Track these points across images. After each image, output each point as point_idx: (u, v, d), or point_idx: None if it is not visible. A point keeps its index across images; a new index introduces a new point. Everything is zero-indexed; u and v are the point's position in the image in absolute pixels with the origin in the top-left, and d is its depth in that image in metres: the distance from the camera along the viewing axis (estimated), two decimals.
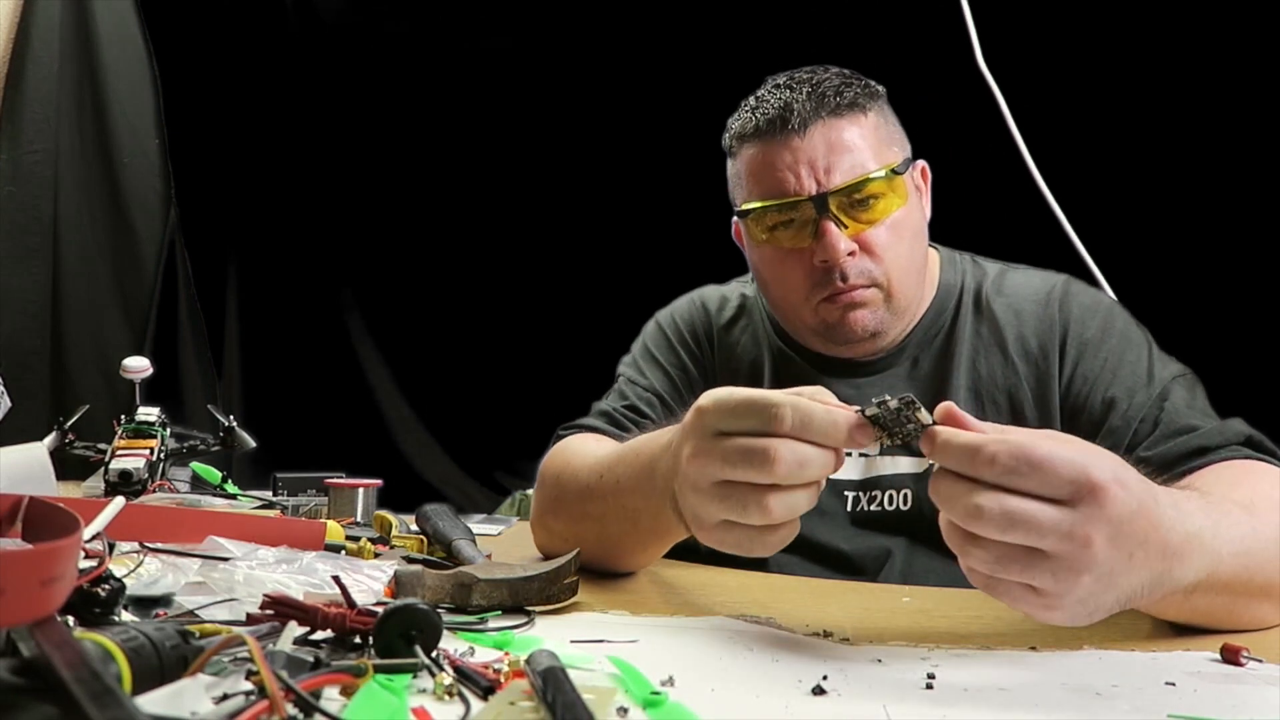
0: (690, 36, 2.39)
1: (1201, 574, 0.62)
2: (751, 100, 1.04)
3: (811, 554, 1.02)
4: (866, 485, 1.03)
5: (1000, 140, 1.77)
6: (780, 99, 1.00)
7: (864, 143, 0.99)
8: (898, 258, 1.00)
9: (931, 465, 1.01)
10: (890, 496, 1.01)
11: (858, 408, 0.62)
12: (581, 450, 0.98)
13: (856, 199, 0.98)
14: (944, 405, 0.61)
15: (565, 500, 0.94)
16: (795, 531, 0.64)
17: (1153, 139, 1.94)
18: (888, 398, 0.61)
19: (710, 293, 1.20)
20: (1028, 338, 1.02)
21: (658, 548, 0.86)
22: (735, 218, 1.09)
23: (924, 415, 0.60)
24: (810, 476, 0.62)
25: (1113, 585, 0.56)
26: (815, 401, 0.62)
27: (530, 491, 1.09)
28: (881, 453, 1.03)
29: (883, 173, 0.98)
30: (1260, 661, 0.61)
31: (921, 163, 1.08)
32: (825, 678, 0.53)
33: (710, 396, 0.65)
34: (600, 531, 0.86)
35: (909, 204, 1.02)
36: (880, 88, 1.05)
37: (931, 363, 1.05)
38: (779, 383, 1.10)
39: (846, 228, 0.97)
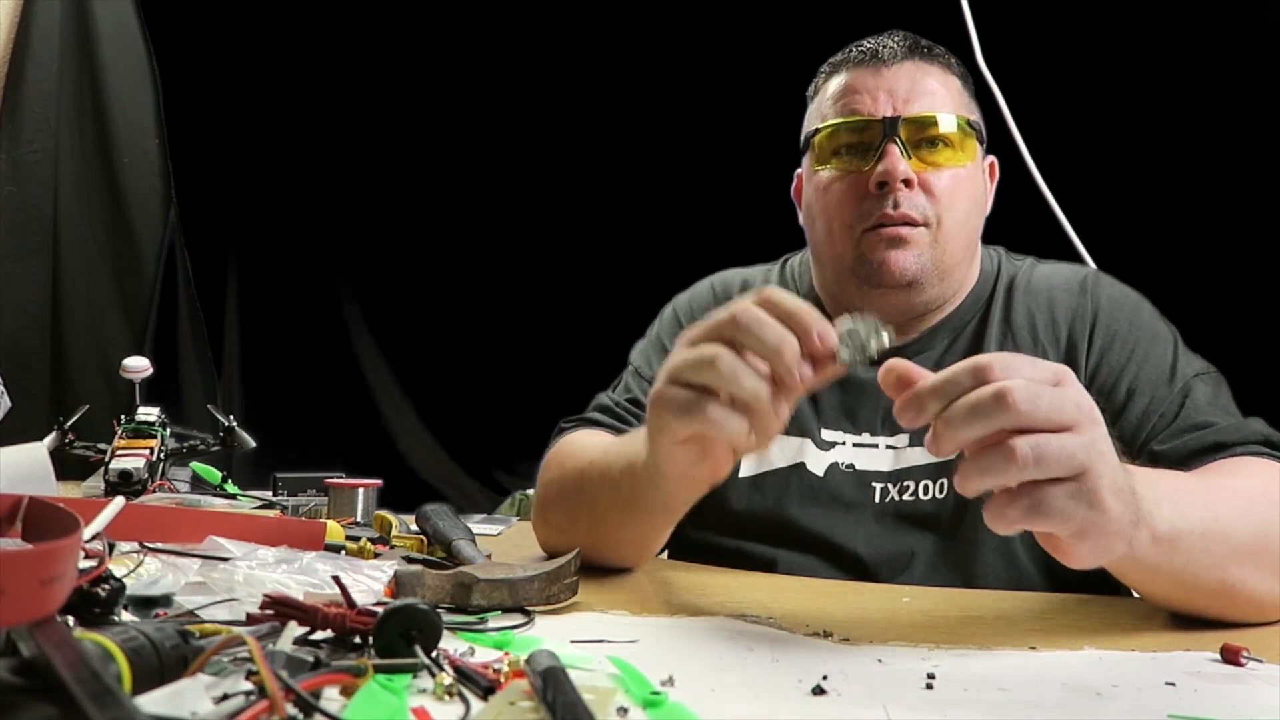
0: (689, 35, 2.39)
1: (1176, 519, 0.65)
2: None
3: (828, 555, 1.01)
4: (896, 476, 1.02)
5: (1000, 140, 1.77)
6: (877, 40, 1.05)
7: (946, 93, 1.03)
8: (954, 208, 1.00)
9: (960, 454, 1.01)
10: (925, 486, 1.00)
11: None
12: (580, 443, 0.99)
13: (926, 136, 1.00)
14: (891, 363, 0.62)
15: (564, 490, 0.94)
16: (777, 425, 0.65)
17: (1153, 139, 1.94)
18: (849, 316, 0.65)
19: (732, 278, 1.19)
20: (1059, 323, 1.03)
21: (645, 527, 0.87)
22: (798, 170, 1.10)
23: (886, 336, 0.64)
24: (749, 391, 0.62)
25: (1111, 461, 0.58)
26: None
27: (530, 491, 1.09)
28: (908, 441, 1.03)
29: (957, 120, 1.00)
30: (1260, 661, 0.61)
31: (992, 158, 1.10)
32: (825, 678, 0.53)
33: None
34: (591, 516, 0.87)
35: (974, 168, 1.04)
36: (969, 75, 1.09)
37: (963, 349, 1.05)
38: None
39: (910, 159, 0.98)
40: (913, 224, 0.99)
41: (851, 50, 1.07)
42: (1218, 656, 0.62)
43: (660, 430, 0.70)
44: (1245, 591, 0.70)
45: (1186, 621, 0.73)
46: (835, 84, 1.05)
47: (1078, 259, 1.73)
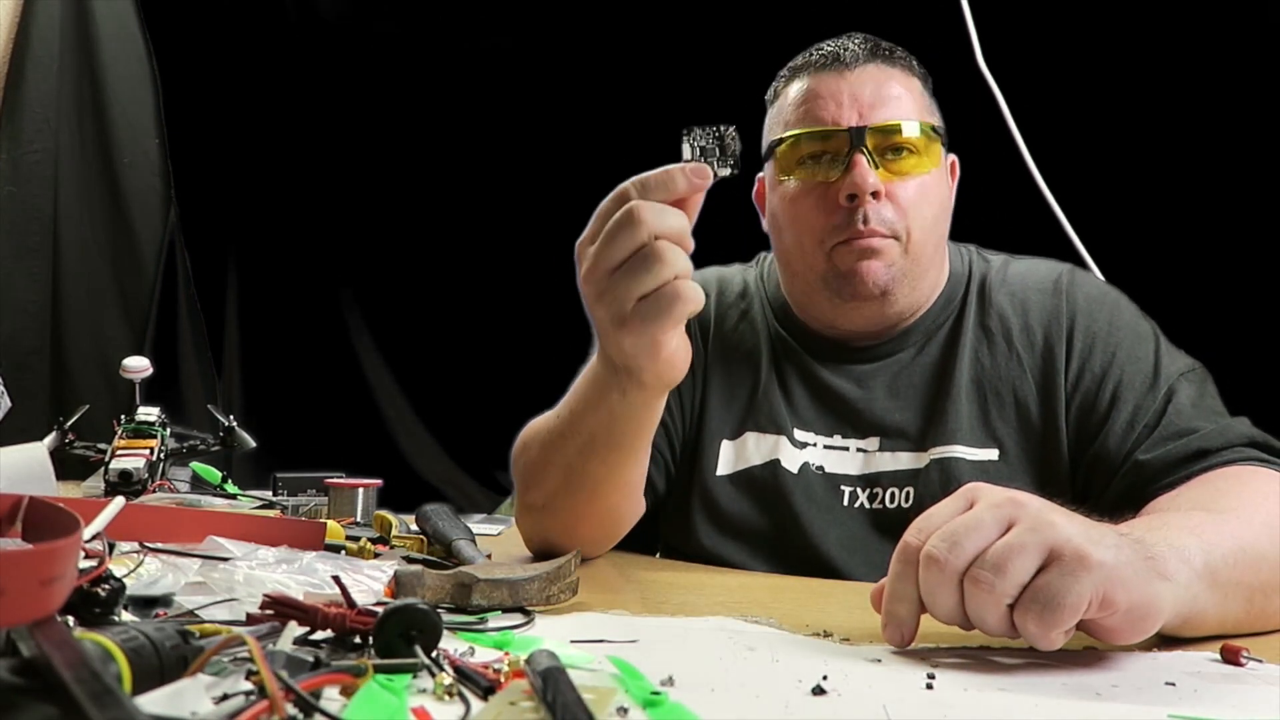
0: (689, 35, 2.39)
1: (1207, 550, 0.62)
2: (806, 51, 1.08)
3: (803, 556, 1.01)
4: (866, 481, 1.02)
5: (1000, 140, 1.77)
6: (837, 42, 1.05)
7: (909, 97, 1.01)
8: (921, 216, 1.00)
9: (930, 461, 1.01)
10: (892, 494, 1.00)
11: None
12: (536, 423, 0.98)
13: (892, 144, 0.98)
14: None
15: (533, 463, 0.94)
16: (699, 295, 0.71)
17: (1153, 138, 1.94)
18: (695, 129, 0.71)
19: (710, 274, 1.19)
20: (1033, 328, 1.02)
21: (622, 472, 0.88)
22: (760, 174, 1.09)
23: (733, 132, 0.70)
24: (675, 225, 0.70)
25: (1116, 558, 0.56)
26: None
27: None
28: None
29: (920, 126, 0.99)
30: (1260, 661, 0.61)
31: (953, 157, 1.09)
32: (825, 678, 0.53)
33: None
34: (566, 477, 0.88)
35: (940, 173, 1.02)
36: (928, 75, 1.08)
37: (937, 352, 1.04)
38: (778, 370, 1.09)
39: (877, 169, 0.97)
40: (882, 236, 0.98)
41: (812, 54, 1.05)
42: (1218, 656, 0.62)
43: (652, 348, 0.75)
44: (1271, 617, 0.69)
45: None
46: (796, 89, 1.04)
47: (1078, 259, 1.73)
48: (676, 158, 0.72)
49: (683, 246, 0.71)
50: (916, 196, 0.99)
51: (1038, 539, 0.55)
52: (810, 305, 1.07)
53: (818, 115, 1.00)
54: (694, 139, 0.70)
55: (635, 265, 0.70)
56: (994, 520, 0.57)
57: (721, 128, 0.69)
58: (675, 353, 0.78)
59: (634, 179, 0.72)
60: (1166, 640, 0.65)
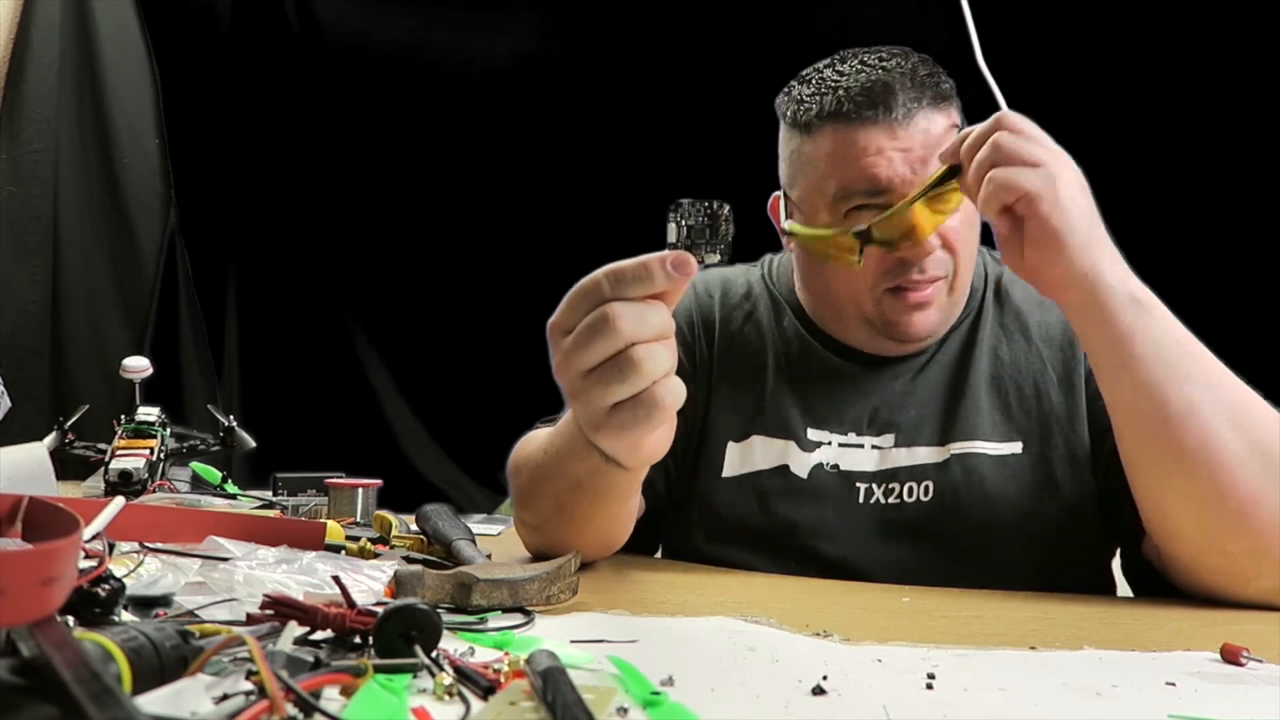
0: (689, 37, 2.39)
1: (1151, 299, 0.80)
2: (830, 75, 0.98)
3: (813, 557, 1.00)
4: (881, 478, 1.01)
5: None
6: (875, 79, 0.96)
7: (950, 130, 0.98)
8: (966, 246, 0.99)
9: (950, 457, 1.00)
10: (910, 489, 1.00)
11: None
12: (536, 437, 0.95)
13: (942, 192, 0.94)
14: None
15: (524, 488, 0.93)
16: (682, 392, 0.66)
17: (1153, 139, 1.94)
18: (685, 203, 0.64)
19: (713, 275, 1.17)
20: (1050, 323, 1.03)
21: (611, 509, 0.86)
22: (778, 193, 1.06)
23: (727, 213, 0.64)
24: (655, 326, 0.64)
25: (1067, 178, 0.78)
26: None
27: None
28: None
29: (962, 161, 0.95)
30: (1260, 661, 0.61)
31: None
32: (825, 678, 0.53)
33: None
34: (557, 508, 0.86)
35: None
36: (945, 74, 1.04)
37: (955, 351, 1.04)
38: (790, 368, 1.08)
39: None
40: (936, 281, 0.97)
41: (848, 95, 0.96)
42: (1218, 656, 0.62)
43: (630, 449, 0.71)
44: (1216, 441, 0.77)
45: (1187, 621, 0.73)
46: (836, 136, 0.97)
47: None
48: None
49: (663, 340, 0.65)
50: (963, 230, 0.97)
51: (1048, 159, 0.80)
52: (844, 331, 1.05)
53: (869, 174, 0.94)
54: (682, 216, 0.63)
55: (609, 373, 0.65)
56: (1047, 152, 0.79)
57: (715, 205, 0.62)
58: (656, 442, 0.72)
59: (607, 269, 0.65)
60: (1166, 640, 0.65)
